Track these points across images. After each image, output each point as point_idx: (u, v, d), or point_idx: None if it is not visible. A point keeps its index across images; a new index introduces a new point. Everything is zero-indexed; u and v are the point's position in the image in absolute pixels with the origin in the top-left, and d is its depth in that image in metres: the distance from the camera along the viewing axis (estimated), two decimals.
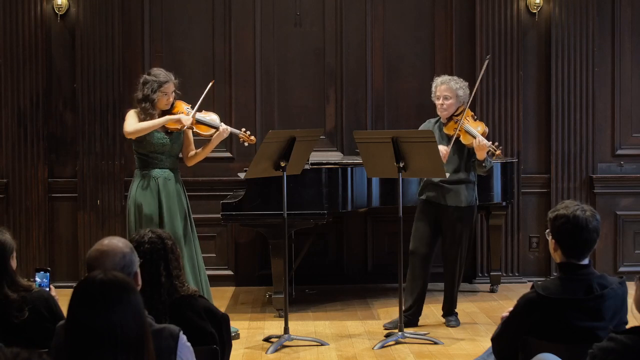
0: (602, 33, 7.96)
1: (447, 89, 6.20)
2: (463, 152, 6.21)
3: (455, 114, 6.21)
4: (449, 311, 6.39)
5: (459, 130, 6.09)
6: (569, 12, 7.83)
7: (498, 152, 6.01)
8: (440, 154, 5.94)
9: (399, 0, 7.95)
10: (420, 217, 6.32)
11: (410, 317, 6.25)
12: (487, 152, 6.01)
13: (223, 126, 5.95)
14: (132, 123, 5.82)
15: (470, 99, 6.28)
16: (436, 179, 6.18)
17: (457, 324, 6.33)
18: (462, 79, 6.33)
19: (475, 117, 6.35)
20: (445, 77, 6.31)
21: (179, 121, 5.81)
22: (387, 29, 7.95)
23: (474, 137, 6.03)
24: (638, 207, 8.01)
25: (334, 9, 7.93)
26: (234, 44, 7.89)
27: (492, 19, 7.80)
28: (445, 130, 6.22)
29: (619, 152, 8.04)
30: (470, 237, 6.38)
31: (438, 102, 6.23)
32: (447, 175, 6.07)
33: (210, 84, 6.07)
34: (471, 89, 6.33)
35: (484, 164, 6.12)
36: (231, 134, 6.04)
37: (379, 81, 7.94)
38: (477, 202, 6.37)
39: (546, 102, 7.93)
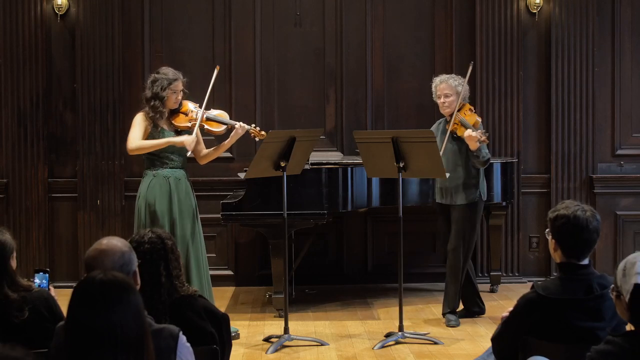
0: (602, 33, 7.96)
1: (446, 87, 6.29)
2: (462, 151, 6.23)
3: (457, 110, 6.25)
4: (449, 310, 6.38)
5: (455, 124, 6.14)
6: (569, 12, 7.83)
7: (483, 138, 6.06)
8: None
9: (399, 0, 7.95)
10: (438, 218, 6.56)
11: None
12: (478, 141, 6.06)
13: (238, 124, 5.95)
14: (136, 137, 5.81)
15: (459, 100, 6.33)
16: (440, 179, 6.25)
17: (457, 324, 6.33)
18: (460, 76, 6.39)
19: (473, 110, 6.37)
20: (444, 76, 6.42)
21: (182, 143, 5.81)
22: (387, 29, 7.95)
23: (467, 129, 6.09)
24: (638, 207, 8.01)
25: (334, 9, 7.92)
26: (234, 44, 7.89)
27: (492, 19, 7.80)
28: (447, 127, 6.27)
29: (619, 152, 8.04)
30: (473, 235, 6.37)
31: (439, 101, 6.33)
32: (447, 175, 6.09)
33: (216, 70, 6.08)
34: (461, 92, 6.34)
35: (475, 153, 6.14)
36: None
37: (379, 81, 7.94)
38: (482, 197, 6.39)
39: (546, 102, 7.93)
